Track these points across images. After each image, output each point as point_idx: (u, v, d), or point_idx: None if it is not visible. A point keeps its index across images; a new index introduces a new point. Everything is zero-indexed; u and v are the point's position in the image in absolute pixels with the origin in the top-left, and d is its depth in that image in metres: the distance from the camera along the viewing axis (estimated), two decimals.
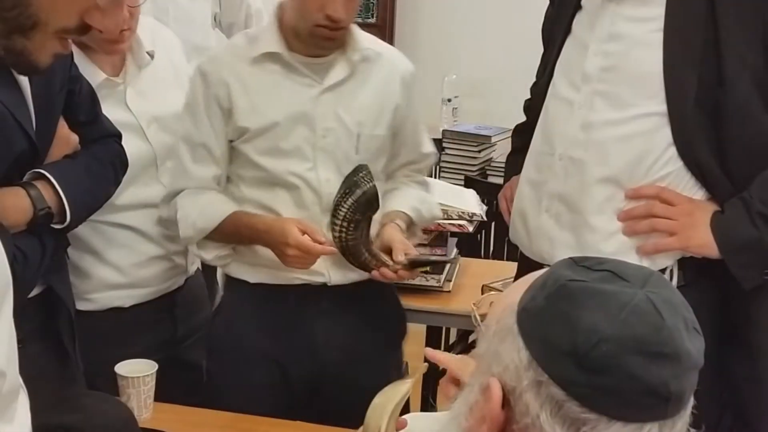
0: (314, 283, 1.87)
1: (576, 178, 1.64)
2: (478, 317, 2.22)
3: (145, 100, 1.93)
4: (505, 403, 0.87)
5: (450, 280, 2.63)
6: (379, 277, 1.81)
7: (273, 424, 1.82)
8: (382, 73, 1.90)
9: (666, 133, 1.56)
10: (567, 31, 1.72)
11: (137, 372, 1.73)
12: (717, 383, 1.56)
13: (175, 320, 2.04)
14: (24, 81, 1.47)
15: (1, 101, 1.42)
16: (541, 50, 1.88)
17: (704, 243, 1.57)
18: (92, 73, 1.82)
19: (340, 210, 1.76)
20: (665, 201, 1.58)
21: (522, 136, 1.89)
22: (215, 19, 2.94)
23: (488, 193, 2.11)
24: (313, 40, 1.79)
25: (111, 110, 1.80)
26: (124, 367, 1.73)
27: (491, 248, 3.32)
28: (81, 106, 1.68)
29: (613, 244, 1.61)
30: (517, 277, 1.77)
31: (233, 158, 1.89)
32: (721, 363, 1.57)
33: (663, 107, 1.56)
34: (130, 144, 1.81)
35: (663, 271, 1.60)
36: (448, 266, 2.60)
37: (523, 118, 1.94)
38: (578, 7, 1.71)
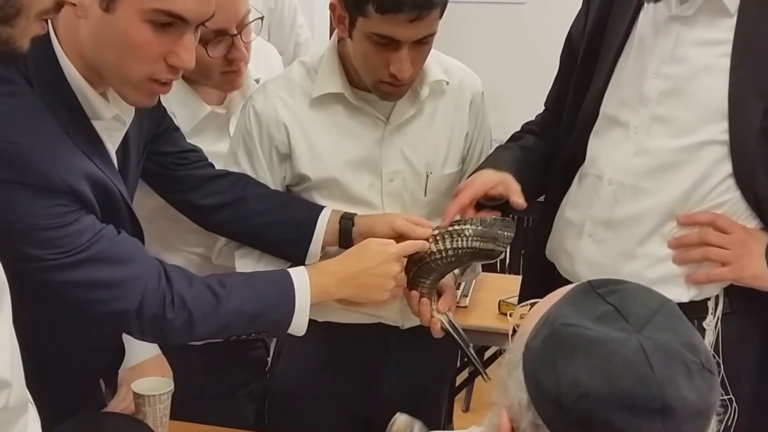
0: (387, 323, 1.81)
1: (627, 204, 1.57)
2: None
3: None
4: None
5: (466, 296, 2.62)
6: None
7: None
8: (450, 103, 1.78)
9: (726, 164, 1.49)
10: (620, 47, 1.62)
11: (153, 390, 1.70)
12: (758, 415, 1.51)
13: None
14: (111, 148, 1.44)
15: (116, 187, 1.40)
16: (553, 61, 1.81)
17: (758, 274, 1.50)
18: (196, 105, 1.76)
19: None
20: (719, 229, 1.51)
21: (527, 135, 1.82)
22: None
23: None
24: (376, 92, 1.67)
25: (211, 142, 1.76)
26: (140, 386, 1.71)
27: (507, 262, 3.31)
28: (180, 135, 1.67)
29: (659, 272, 1.55)
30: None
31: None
32: (763, 395, 1.51)
33: (725, 136, 1.47)
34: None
35: (708, 300, 1.55)
36: (463, 284, 2.58)
37: None
38: (633, 21, 1.60)
